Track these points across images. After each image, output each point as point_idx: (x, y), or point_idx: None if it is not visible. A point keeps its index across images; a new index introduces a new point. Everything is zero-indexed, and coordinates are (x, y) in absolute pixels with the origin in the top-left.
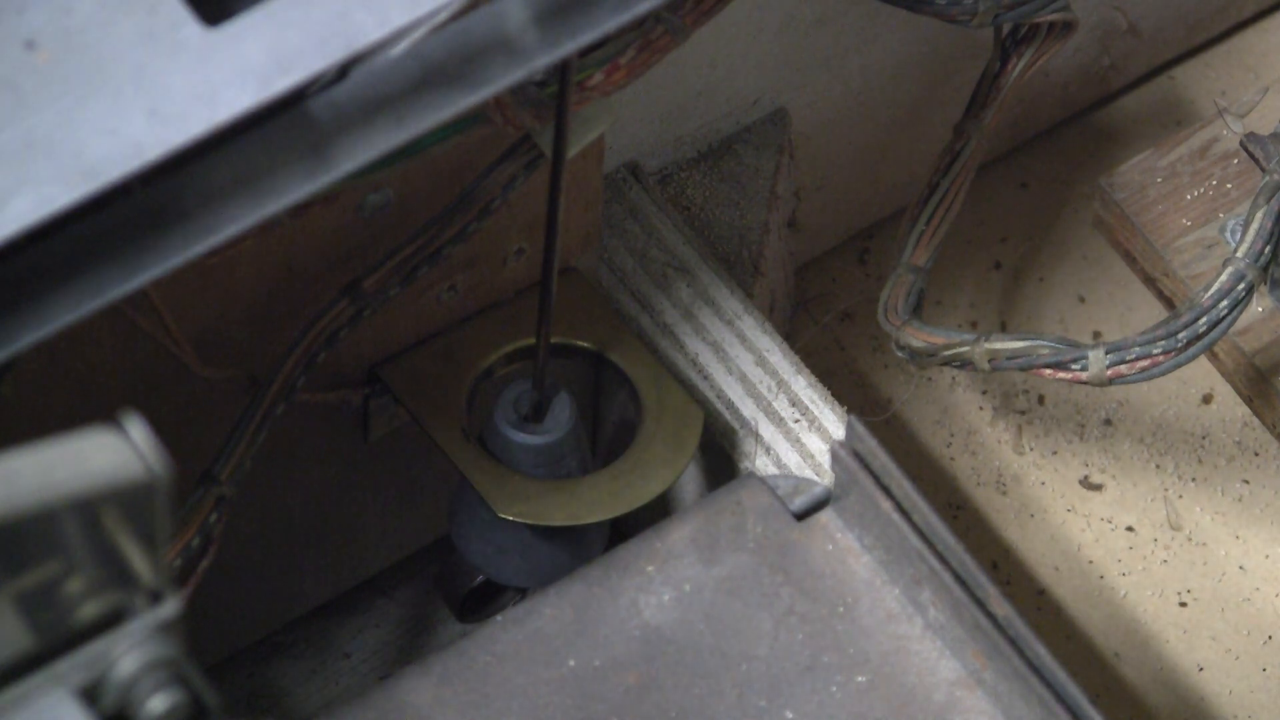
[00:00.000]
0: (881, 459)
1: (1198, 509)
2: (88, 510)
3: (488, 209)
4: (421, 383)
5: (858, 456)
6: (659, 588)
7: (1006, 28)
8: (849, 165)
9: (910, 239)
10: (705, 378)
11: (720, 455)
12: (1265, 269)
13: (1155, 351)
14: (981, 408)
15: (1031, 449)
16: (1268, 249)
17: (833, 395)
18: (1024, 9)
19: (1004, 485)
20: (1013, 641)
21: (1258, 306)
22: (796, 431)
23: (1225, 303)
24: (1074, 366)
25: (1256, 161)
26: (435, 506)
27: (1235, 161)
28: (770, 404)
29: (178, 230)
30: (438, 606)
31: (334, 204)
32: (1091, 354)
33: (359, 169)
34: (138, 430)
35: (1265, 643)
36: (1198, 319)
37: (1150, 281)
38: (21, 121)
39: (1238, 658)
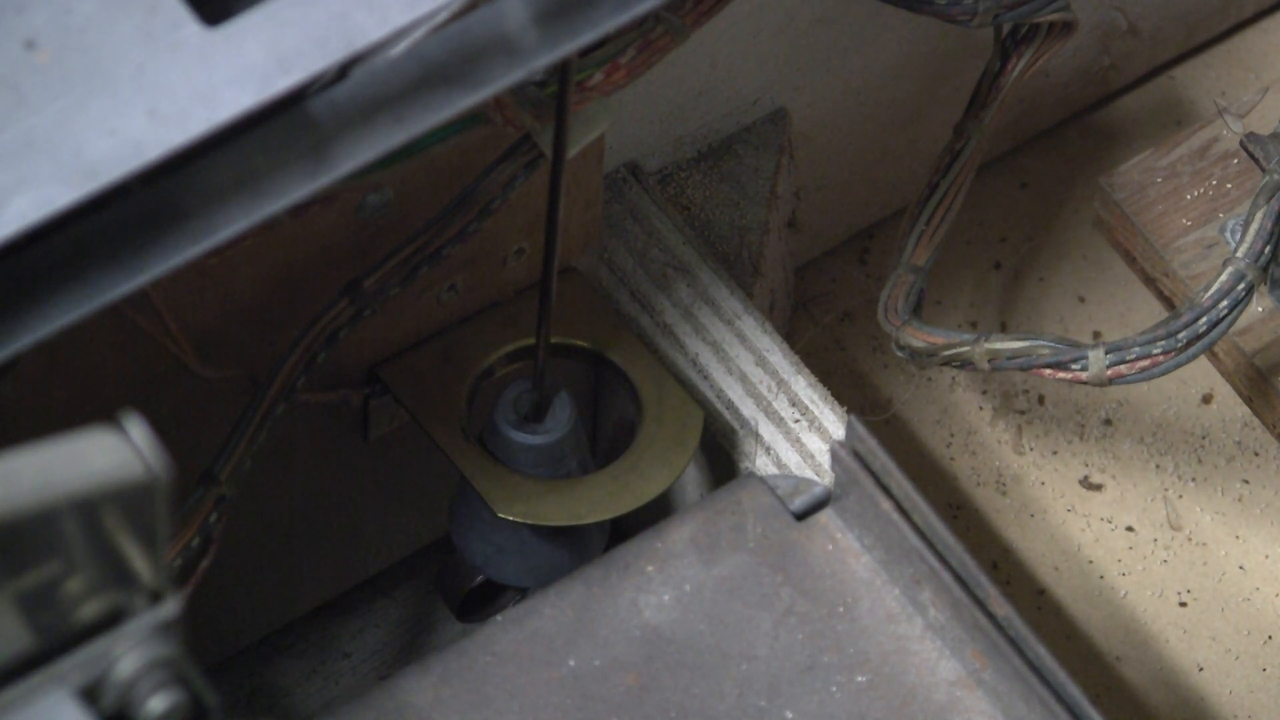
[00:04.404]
0: (881, 459)
1: (1198, 509)
2: (88, 510)
3: (488, 209)
4: (421, 383)
5: (858, 456)
6: (659, 588)
7: (1006, 28)
8: (849, 165)
9: (910, 239)
10: (705, 378)
11: (720, 455)
12: (1265, 269)
13: (1155, 351)
14: (981, 408)
15: (1031, 449)
16: (1268, 249)
17: (833, 395)
18: (1024, 9)
19: (1004, 485)
20: (1013, 641)
21: (1258, 306)
22: (796, 431)
23: (1225, 303)
24: (1074, 366)
25: (1256, 161)
26: (435, 506)
27: (1235, 161)
28: (770, 404)
29: (178, 230)
30: (438, 606)
31: (334, 204)
32: (1091, 354)
33: (359, 169)
34: (138, 430)
35: (1265, 643)
36: (1198, 319)
37: (1150, 281)
38: (21, 121)
39: (1238, 658)
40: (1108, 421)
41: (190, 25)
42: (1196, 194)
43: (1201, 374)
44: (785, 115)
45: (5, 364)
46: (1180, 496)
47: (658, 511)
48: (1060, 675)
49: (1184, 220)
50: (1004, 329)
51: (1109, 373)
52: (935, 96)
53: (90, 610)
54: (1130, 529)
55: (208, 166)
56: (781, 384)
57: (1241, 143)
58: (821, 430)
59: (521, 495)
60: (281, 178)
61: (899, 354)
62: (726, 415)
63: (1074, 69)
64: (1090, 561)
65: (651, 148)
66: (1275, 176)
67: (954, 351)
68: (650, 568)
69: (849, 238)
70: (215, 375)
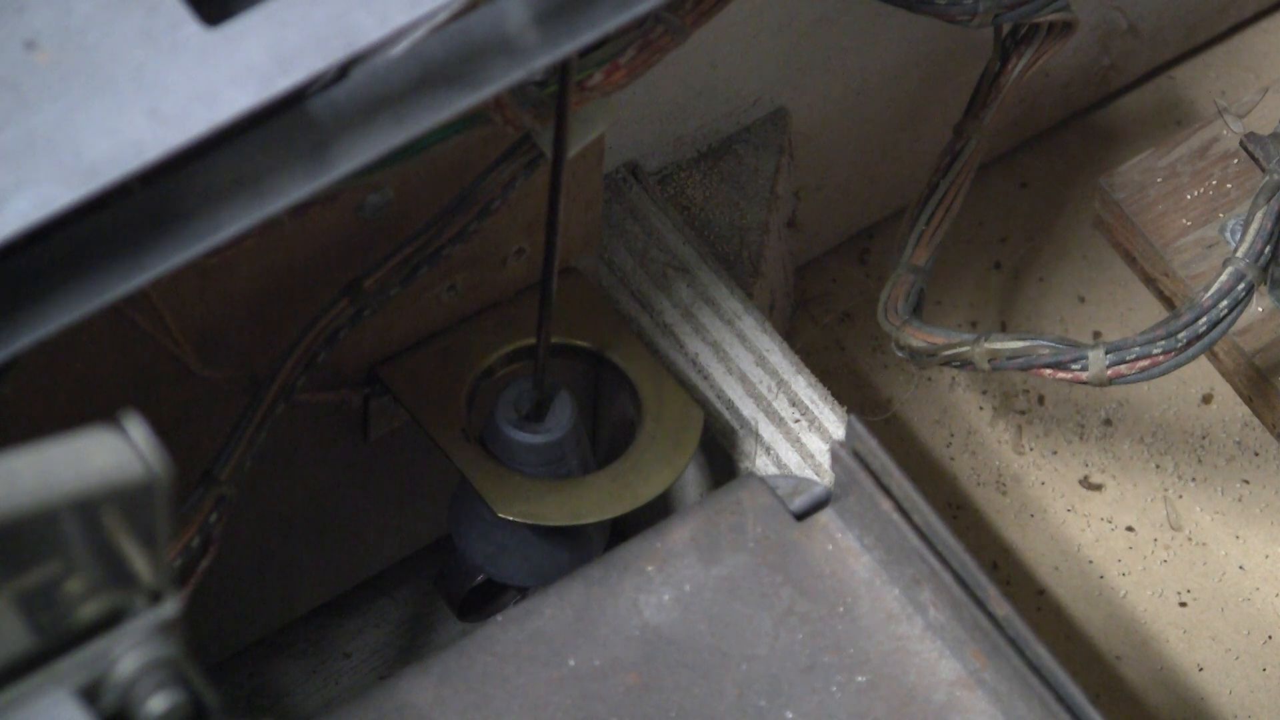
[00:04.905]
0: (881, 459)
1: (1198, 509)
2: (88, 510)
3: (488, 209)
4: (421, 383)
5: (858, 456)
6: (659, 588)
7: (1006, 28)
8: (849, 165)
9: (910, 239)
10: (705, 378)
11: (720, 455)
12: (1265, 269)
13: (1155, 351)
14: (981, 408)
15: (1031, 449)
16: (1268, 249)
17: (833, 395)
18: (1024, 9)
19: (1004, 485)
20: (1013, 641)
21: (1258, 306)
22: (796, 431)
23: (1225, 303)
24: (1074, 366)
25: (1256, 161)
26: (435, 506)
27: (1235, 161)
28: (770, 404)
29: (178, 230)
30: (438, 606)
31: (334, 204)
32: (1091, 354)
33: (359, 169)
34: (138, 430)
35: (1265, 643)
36: (1198, 319)
37: (1150, 281)
38: (21, 121)
39: (1238, 658)
40: (1108, 421)
41: (190, 25)
42: (1196, 194)
43: (1201, 374)
44: (785, 115)
45: (5, 364)
46: (1180, 496)
47: (658, 511)
48: (1060, 675)
49: (1184, 220)
50: (1004, 329)
51: (1109, 373)
52: (935, 96)
53: (90, 610)
54: (1130, 529)
55: (208, 166)
56: (781, 384)
57: (1241, 143)
58: (821, 430)
59: (521, 495)
60: (281, 178)
61: (899, 354)
62: (726, 415)
63: (1074, 69)
64: (1090, 561)
65: (651, 148)
66: (1275, 176)
67: (954, 351)
68: (650, 568)
69: (849, 238)
70: (215, 375)
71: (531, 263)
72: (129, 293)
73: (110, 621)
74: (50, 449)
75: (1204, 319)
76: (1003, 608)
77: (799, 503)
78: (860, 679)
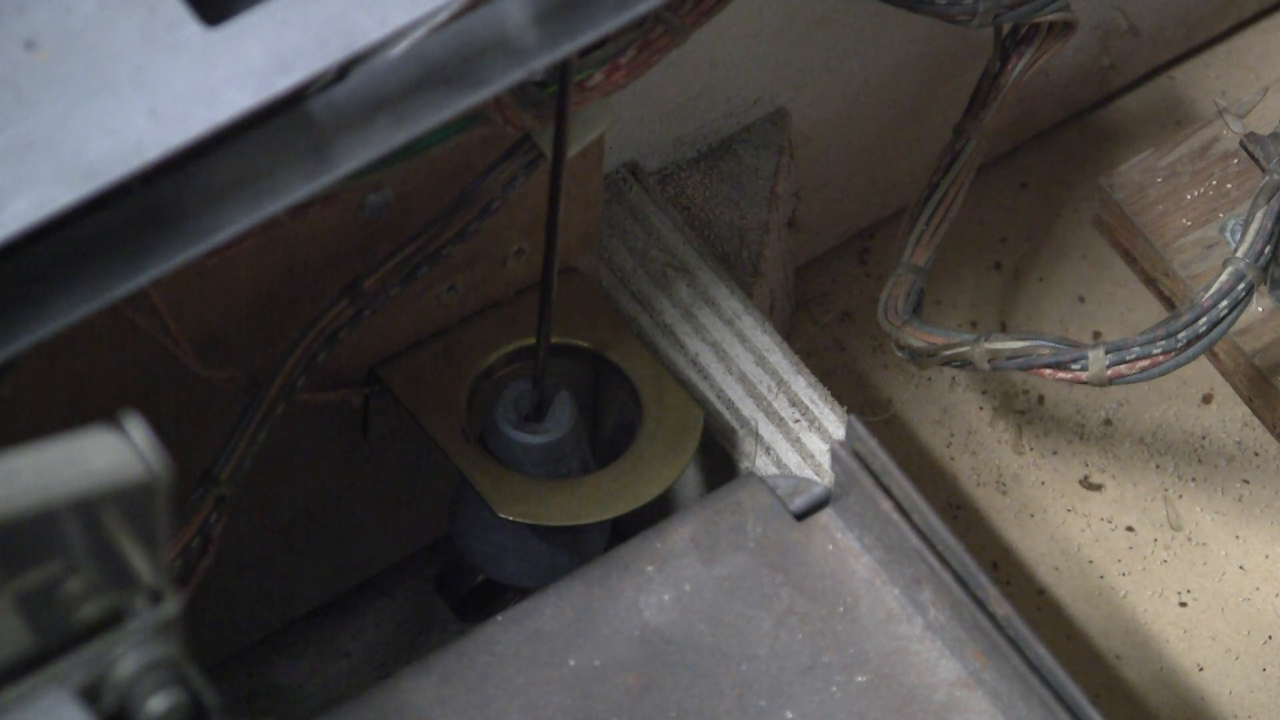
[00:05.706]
0: (881, 459)
1: (1198, 509)
2: (88, 510)
3: (488, 209)
4: (421, 383)
5: (858, 456)
6: (659, 588)
7: (1006, 28)
8: (849, 165)
9: (910, 239)
10: (705, 378)
11: (720, 455)
12: (1265, 269)
13: (1155, 351)
14: (981, 408)
15: (1031, 449)
16: (1268, 249)
17: (833, 395)
18: (1024, 9)
19: (1004, 485)
20: (1013, 641)
21: (1258, 306)
22: (796, 431)
23: (1225, 303)
24: (1074, 366)
25: (1256, 161)
26: (435, 506)
27: (1235, 161)
28: (770, 404)
29: (178, 230)
30: (438, 606)
31: (334, 204)
32: (1091, 354)
33: (359, 169)
34: (138, 430)
35: (1265, 643)
36: (1198, 319)
37: (1150, 281)
38: (21, 121)
39: (1238, 658)
40: (1108, 421)
41: (190, 25)
42: (1196, 194)
43: (1201, 374)
44: (785, 115)
45: (5, 364)
46: (1180, 496)
47: (658, 511)
48: (1060, 675)
49: (1184, 220)
50: (1004, 329)
51: (1109, 373)
52: (935, 96)
53: (90, 610)
54: (1130, 529)
55: (208, 166)
56: (781, 384)
57: (1241, 143)
58: (821, 430)
59: (521, 495)
60: (281, 178)
61: (899, 354)
62: (726, 415)
63: (1074, 69)
64: (1090, 561)
65: (651, 148)
66: (1275, 176)
67: (954, 351)
68: (650, 568)
69: (849, 238)
70: (215, 375)
71: (531, 263)
72: (129, 293)
73: (110, 622)
74: (50, 449)
75: (1204, 319)
76: (1003, 608)
77: (799, 503)
78: (860, 679)
